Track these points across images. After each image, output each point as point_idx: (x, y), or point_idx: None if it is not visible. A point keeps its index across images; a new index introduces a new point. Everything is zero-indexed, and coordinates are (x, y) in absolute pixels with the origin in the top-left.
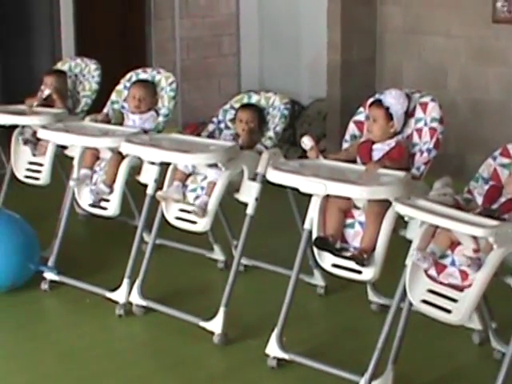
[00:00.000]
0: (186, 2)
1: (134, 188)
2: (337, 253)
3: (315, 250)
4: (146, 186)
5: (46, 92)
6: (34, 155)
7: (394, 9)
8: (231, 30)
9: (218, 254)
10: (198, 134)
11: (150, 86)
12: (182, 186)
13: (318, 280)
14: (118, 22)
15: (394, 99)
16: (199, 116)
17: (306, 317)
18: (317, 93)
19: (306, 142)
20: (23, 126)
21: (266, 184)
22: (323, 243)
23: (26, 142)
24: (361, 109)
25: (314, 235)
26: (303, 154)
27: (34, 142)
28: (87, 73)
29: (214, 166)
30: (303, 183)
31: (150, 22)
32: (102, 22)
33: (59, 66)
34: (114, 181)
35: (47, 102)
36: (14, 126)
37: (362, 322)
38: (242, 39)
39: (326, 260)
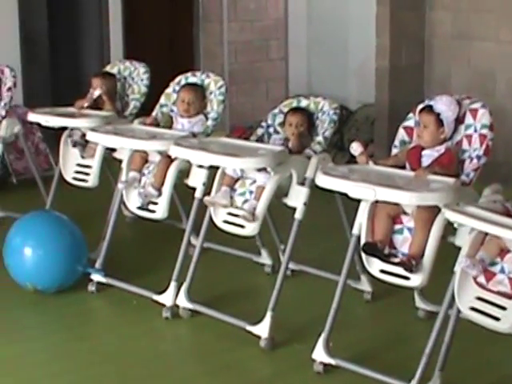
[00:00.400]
0: (235, 5)
1: (182, 191)
2: (385, 259)
3: (363, 255)
4: (194, 189)
5: (97, 92)
6: (83, 157)
7: (443, 14)
8: (279, 34)
9: (265, 259)
10: (246, 138)
11: (200, 90)
12: (230, 190)
13: (364, 285)
14: (167, 25)
15: (445, 105)
16: (247, 120)
17: (352, 322)
18: (365, 98)
19: (356, 148)
20: (72, 129)
21: (315, 188)
22: (372, 249)
23: (74, 145)
24: (410, 114)
25: (363, 241)
26: (351, 159)
27: (83, 144)
28: (136, 76)
29: (262, 170)
30: (352, 188)
31: (198, 26)
32: (150, 25)
33: (108, 68)
34: (162, 184)
35: (96, 105)
36: (63, 128)
37: (409, 329)
38: (291, 43)
39: (374, 266)
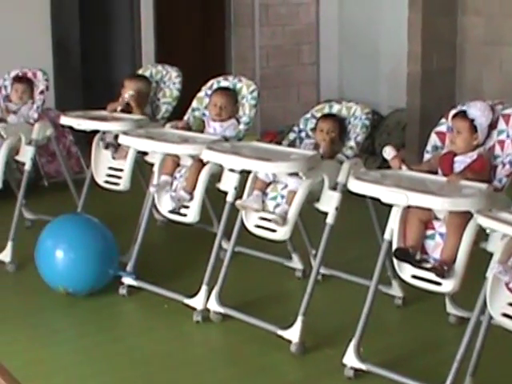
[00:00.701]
0: (267, 10)
1: (214, 195)
2: (416, 264)
3: (395, 260)
4: (225, 193)
5: (127, 95)
6: (114, 158)
7: (475, 19)
8: (311, 38)
9: (296, 263)
10: (278, 143)
11: (232, 94)
12: (261, 194)
13: (395, 291)
14: (198, 29)
15: (479, 111)
16: (278, 124)
17: (383, 327)
18: (396, 103)
19: (389, 152)
20: (104, 132)
21: (346, 193)
22: (403, 255)
23: (107, 146)
24: (443, 119)
25: (394, 246)
26: (382, 164)
27: (115, 146)
28: (168, 79)
29: (294, 174)
30: (385, 193)
31: (230, 30)
32: (182, 29)
33: (140, 72)
34: (194, 188)
35: (129, 108)
36: (95, 132)
37: (440, 334)
38: (322, 48)
39: (406, 271)
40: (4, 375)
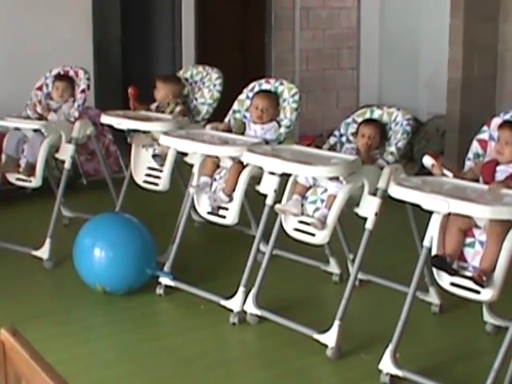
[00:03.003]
0: (307, 14)
1: (253, 198)
2: (453, 273)
3: (433, 268)
4: (265, 196)
5: (178, 109)
6: (162, 165)
7: None
8: (351, 43)
9: (333, 267)
10: (317, 146)
11: (273, 97)
12: (301, 199)
13: (433, 298)
14: (239, 32)
15: None
16: (316, 128)
17: (419, 334)
18: (436, 109)
19: (428, 161)
20: (134, 130)
21: (386, 199)
22: (441, 262)
23: (154, 156)
24: (485, 127)
25: (433, 253)
26: (420, 171)
27: (163, 157)
28: (208, 81)
29: (335, 179)
30: (425, 200)
31: (270, 33)
32: (222, 31)
33: (181, 73)
34: (233, 190)
35: (160, 109)
36: (135, 131)
37: (477, 343)
38: (362, 53)
39: (445, 278)
40: (47, 371)
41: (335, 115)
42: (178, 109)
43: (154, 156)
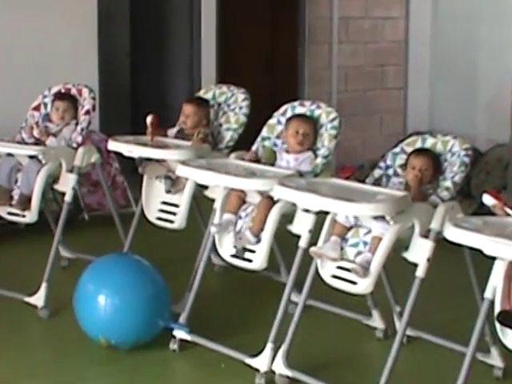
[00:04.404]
0: (347, 24)
1: (284, 239)
2: None
3: (497, 324)
4: (298, 237)
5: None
6: (169, 192)
7: None
8: (398, 59)
9: (376, 321)
10: (360, 180)
11: (312, 122)
12: (340, 241)
13: (495, 360)
14: (267, 46)
15: None
16: (356, 158)
17: None
18: (497, 136)
19: (487, 199)
20: (143, 159)
21: (440, 242)
22: (507, 318)
23: (165, 177)
24: None
25: (497, 308)
26: (479, 209)
27: (173, 179)
28: (233, 103)
29: (380, 218)
30: (487, 244)
31: (303, 48)
32: (247, 45)
33: (201, 93)
34: (261, 229)
35: (183, 135)
36: (147, 160)
37: None
38: (411, 70)
39: (511, 337)
40: None
41: (378, 143)
42: (200, 135)
43: (166, 178)
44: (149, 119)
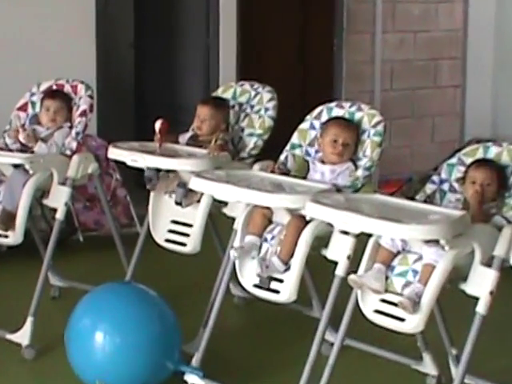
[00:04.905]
0: (393, 10)
1: (318, 266)
2: None
3: None
4: (334, 263)
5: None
6: (179, 204)
7: None
8: (454, 52)
9: (428, 366)
10: (410, 197)
11: (354, 128)
12: (385, 269)
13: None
14: (297, 35)
15: None
16: (403, 170)
17: None
18: None
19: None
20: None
21: (506, 271)
22: None
23: (178, 185)
24: None
25: None
26: None
27: (186, 189)
28: (257, 103)
29: (433, 242)
30: None
31: (341, 38)
32: (274, 34)
33: (219, 92)
34: (291, 255)
35: (198, 142)
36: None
37: None
38: (470, 65)
39: None
40: None
41: (430, 152)
42: (218, 141)
43: (179, 185)
44: (157, 125)
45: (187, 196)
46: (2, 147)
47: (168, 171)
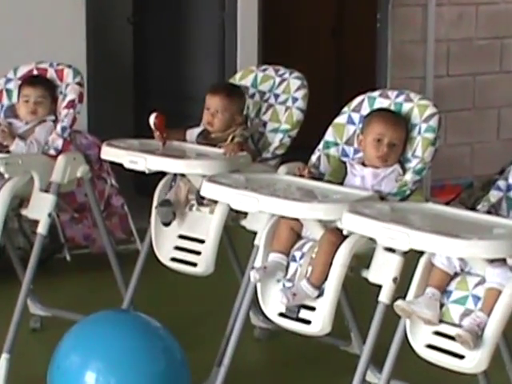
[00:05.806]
0: None
1: (356, 290)
2: None
3: None
4: (377, 286)
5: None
6: (167, 224)
7: None
8: None
9: None
10: (467, 207)
11: (402, 123)
12: (439, 294)
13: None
14: (330, 9)
15: None
16: (461, 174)
17: None
18: None
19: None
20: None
21: None
22: None
23: (161, 205)
24: None
25: None
26: None
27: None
28: (283, 92)
29: (498, 262)
30: None
31: (385, 12)
32: (303, 8)
33: (237, 78)
34: (324, 277)
35: (208, 139)
36: (159, 174)
37: None
38: None
39: None
40: None
41: (495, 151)
42: (235, 139)
43: (161, 204)
44: (152, 119)
45: (174, 216)
46: None
47: (175, 175)
